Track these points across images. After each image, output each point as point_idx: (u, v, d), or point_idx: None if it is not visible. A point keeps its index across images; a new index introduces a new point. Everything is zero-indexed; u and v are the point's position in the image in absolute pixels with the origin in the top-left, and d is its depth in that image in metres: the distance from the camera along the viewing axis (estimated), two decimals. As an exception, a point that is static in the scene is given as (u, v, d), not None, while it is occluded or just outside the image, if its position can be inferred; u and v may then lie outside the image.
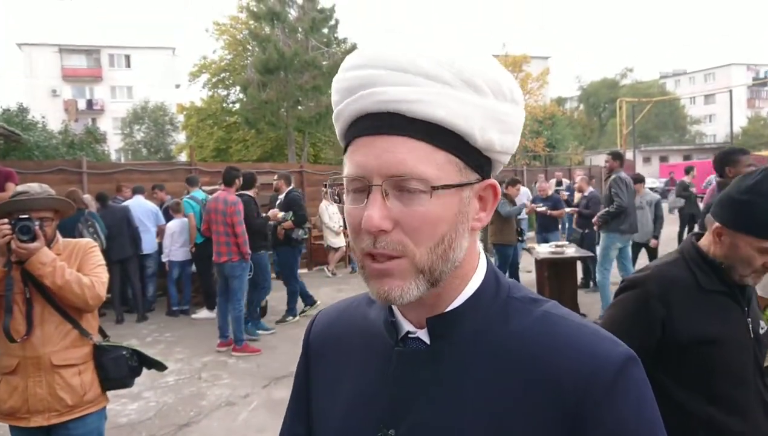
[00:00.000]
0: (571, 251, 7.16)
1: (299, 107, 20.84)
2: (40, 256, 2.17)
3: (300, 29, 20.80)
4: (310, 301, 7.40)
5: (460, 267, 0.69)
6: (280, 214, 6.86)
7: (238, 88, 23.22)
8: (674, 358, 1.49)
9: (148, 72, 42.99)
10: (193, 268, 7.79)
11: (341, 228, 10.11)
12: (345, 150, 0.69)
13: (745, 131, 48.70)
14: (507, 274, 6.38)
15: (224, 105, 24.85)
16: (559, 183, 13.38)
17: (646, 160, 46.21)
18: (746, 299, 1.53)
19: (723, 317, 1.49)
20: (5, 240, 2.15)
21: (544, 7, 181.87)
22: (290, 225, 6.85)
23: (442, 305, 0.70)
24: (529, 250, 7.83)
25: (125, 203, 7.84)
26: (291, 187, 7.18)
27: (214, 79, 24.39)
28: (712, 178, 15.72)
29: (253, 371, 5.46)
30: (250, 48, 22.74)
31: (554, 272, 6.83)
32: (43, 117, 15.82)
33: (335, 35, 22.08)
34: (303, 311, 7.31)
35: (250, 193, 6.37)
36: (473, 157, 0.67)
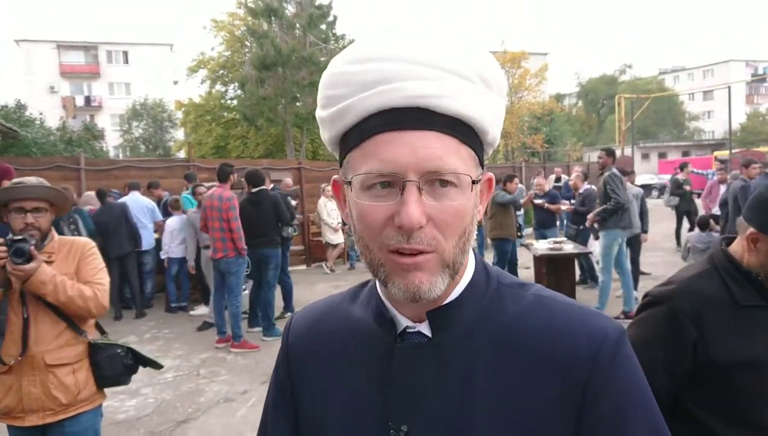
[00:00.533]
0: (569, 247, 7.16)
1: (297, 104, 20.83)
2: (39, 275, 2.14)
3: (297, 25, 20.79)
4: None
5: None
6: None
7: (236, 84, 23.20)
8: (706, 382, 1.32)
9: (146, 68, 42.94)
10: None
11: (339, 225, 10.12)
12: (352, 147, 0.67)
13: (743, 127, 48.63)
14: (506, 270, 6.35)
15: (222, 101, 24.83)
16: (558, 179, 13.38)
17: (645, 156, 46.20)
18: None
19: (763, 336, 1.30)
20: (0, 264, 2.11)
21: (543, 5, 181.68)
22: None
23: (441, 297, 0.70)
24: (527, 246, 7.83)
25: (121, 200, 7.82)
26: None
27: (212, 76, 24.36)
28: (711, 172, 15.76)
29: (251, 367, 5.47)
30: (248, 44, 22.70)
31: (553, 268, 6.83)
32: (41, 113, 15.79)
33: (333, 31, 22.09)
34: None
35: (266, 187, 6.57)
36: (481, 151, 0.70)
